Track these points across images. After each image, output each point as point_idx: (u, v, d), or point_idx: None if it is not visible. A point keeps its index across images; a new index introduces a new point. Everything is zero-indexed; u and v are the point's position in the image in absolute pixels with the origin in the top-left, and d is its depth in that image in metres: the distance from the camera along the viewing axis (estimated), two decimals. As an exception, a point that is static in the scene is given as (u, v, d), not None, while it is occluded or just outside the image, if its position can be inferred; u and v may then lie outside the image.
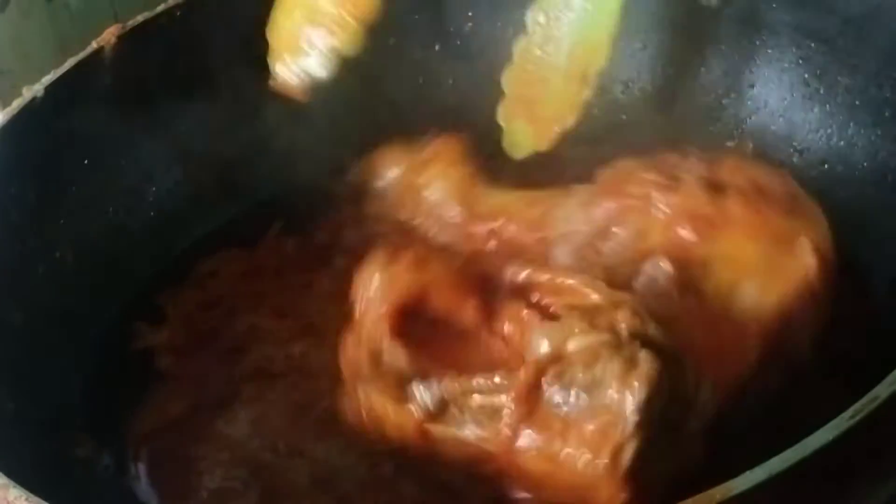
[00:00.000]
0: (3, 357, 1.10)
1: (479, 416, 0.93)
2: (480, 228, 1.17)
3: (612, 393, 0.88)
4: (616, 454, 0.87)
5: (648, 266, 1.05)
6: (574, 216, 1.12)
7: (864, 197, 1.18)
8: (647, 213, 1.08)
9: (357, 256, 1.08)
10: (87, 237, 1.23)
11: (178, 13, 1.30)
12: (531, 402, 0.91)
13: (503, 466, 0.92)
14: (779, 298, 1.03)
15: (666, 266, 1.04)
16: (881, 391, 0.80)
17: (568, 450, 0.89)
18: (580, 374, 0.89)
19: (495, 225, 1.16)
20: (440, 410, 0.94)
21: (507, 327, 0.99)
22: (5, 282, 1.14)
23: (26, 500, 0.86)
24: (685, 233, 1.06)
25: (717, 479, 0.77)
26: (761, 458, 0.78)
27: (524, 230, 1.15)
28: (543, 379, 0.90)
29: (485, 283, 1.02)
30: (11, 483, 0.87)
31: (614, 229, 1.09)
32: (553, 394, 0.90)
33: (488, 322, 1.00)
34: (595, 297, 0.97)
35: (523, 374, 0.91)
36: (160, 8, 1.30)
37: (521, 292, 1.01)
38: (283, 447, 1.08)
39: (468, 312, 1.00)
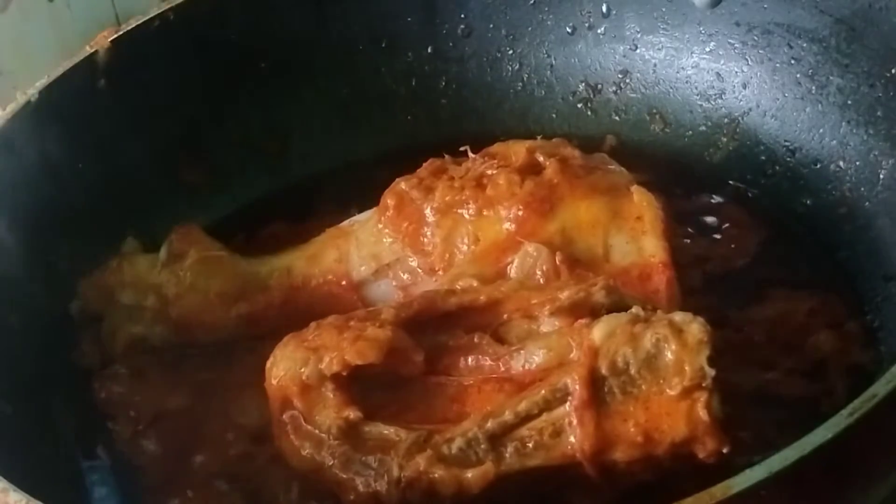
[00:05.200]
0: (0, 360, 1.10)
1: (543, 438, 0.91)
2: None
3: (672, 358, 0.89)
4: (708, 408, 0.88)
5: (518, 255, 1.06)
6: (379, 245, 1.14)
7: (858, 196, 1.19)
8: (480, 215, 1.09)
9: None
10: (82, 242, 1.23)
11: (172, 17, 1.30)
12: (595, 401, 0.90)
13: (597, 465, 0.91)
14: (648, 234, 1.06)
15: (533, 248, 1.05)
16: (879, 389, 0.80)
17: (657, 420, 0.89)
18: (631, 354, 0.90)
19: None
20: (488, 452, 0.92)
21: (466, 361, 0.98)
22: (2, 285, 1.14)
23: (26, 503, 0.85)
24: (525, 215, 1.07)
25: (717, 478, 0.77)
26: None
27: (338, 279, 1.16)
28: (599, 376, 0.90)
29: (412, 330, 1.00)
30: (12, 487, 0.86)
31: (458, 242, 1.10)
32: (616, 382, 0.90)
33: (436, 366, 0.99)
34: (566, 293, 0.97)
35: (580, 375, 0.90)
36: (154, 12, 1.30)
37: (455, 325, 1.00)
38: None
39: (406, 362, 0.99)
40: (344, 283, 1.15)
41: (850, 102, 1.22)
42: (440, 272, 1.10)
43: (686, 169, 1.32)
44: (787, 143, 1.27)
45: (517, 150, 1.14)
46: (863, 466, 0.85)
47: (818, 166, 1.24)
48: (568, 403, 0.91)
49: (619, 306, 0.95)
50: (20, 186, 1.18)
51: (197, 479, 1.08)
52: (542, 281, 1.04)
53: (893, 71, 1.16)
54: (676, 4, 1.33)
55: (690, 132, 1.34)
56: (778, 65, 1.28)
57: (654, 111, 1.36)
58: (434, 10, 1.41)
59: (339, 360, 0.96)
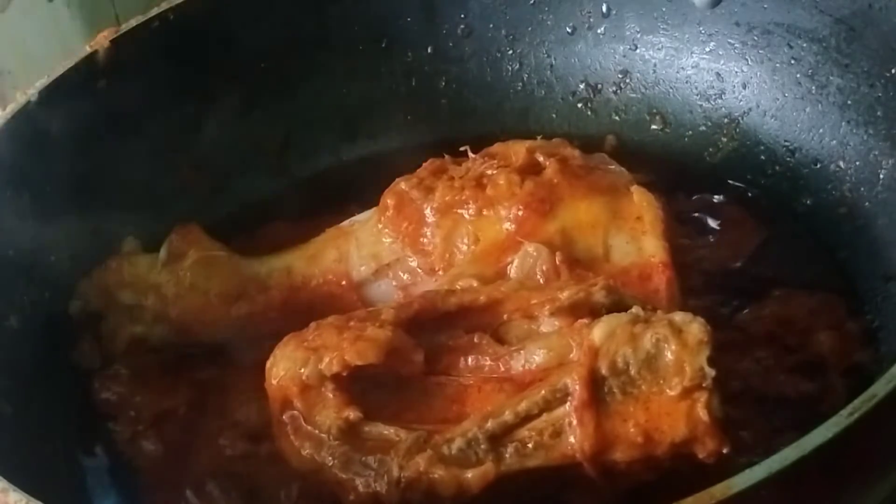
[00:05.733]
0: (-1, 360, 1.11)
1: (543, 438, 0.91)
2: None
3: (672, 358, 0.89)
4: (708, 408, 0.88)
5: (518, 255, 1.06)
6: (379, 245, 1.14)
7: (858, 196, 1.19)
8: (480, 215, 1.09)
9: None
10: (82, 242, 1.23)
11: (172, 17, 1.30)
12: (595, 401, 0.90)
13: (597, 465, 0.91)
14: (648, 234, 1.06)
15: (533, 248, 1.05)
16: (879, 389, 0.80)
17: (657, 420, 0.89)
18: (631, 354, 0.90)
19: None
20: (488, 452, 0.92)
21: (466, 361, 0.99)
22: (2, 285, 1.14)
23: (26, 503, 0.85)
24: (525, 215, 1.07)
25: (717, 478, 0.77)
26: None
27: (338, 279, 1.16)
28: (599, 376, 0.90)
29: (413, 330, 1.00)
30: (12, 487, 0.86)
31: (458, 242, 1.10)
32: (616, 383, 0.90)
33: (436, 366, 0.99)
34: (566, 293, 0.97)
35: (580, 375, 0.90)
36: (154, 11, 1.30)
37: (455, 325, 1.00)
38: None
39: (406, 362, 0.99)
40: (344, 283, 1.15)
41: (850, 102, 1.22)
42: (440, 272, 1.10)
43: (686, 169, 1.32)
44: (787, 143, 1.28)
45: (517, 150, 1.14)
46: (863, 466, 0.85)
47: (818, 166, 1.24)
48: (568, 403, 0.91)
49: (619, 306, 0.95)
50: (20, 186, 1.18)
51: (197, 479, 1.08)
52: (542, 281, 1.04)
53: (893, 71, 1.16)
54: (676, 4, 1.33)
55: (690, 132, 1.34)
56: (778, 65, 1.28)
57: (654, 111, 1.36)
58: (434, 10, 1.41)
59: (339, 360, 0.96)
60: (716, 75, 1.33)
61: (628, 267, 1.05)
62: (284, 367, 0.98)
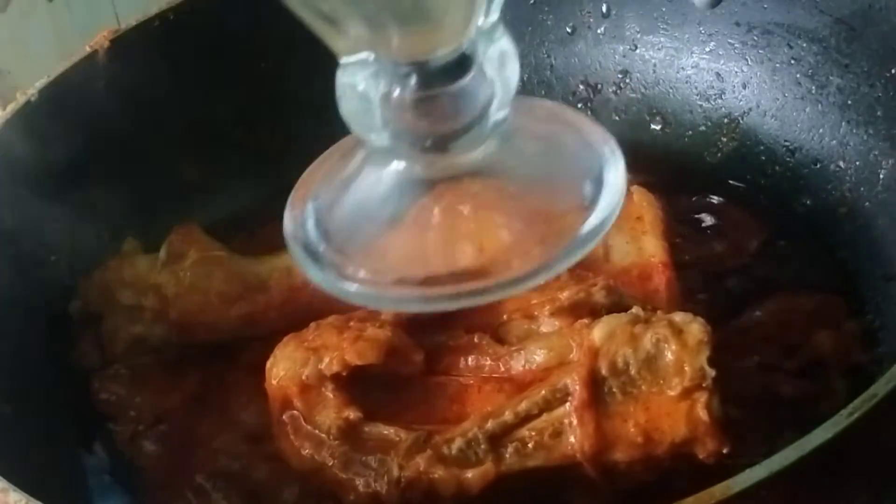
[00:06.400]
0: (-1, 360, 1.11)
1: (543, 438, 0.91)
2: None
3: (672, 359, 0.89)
4: (708, 409, 0.88)
5: None
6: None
7: (858, 196, 1.19)
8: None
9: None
10: (82, 242, 1.23)
11: (172, 16, 1.30)
12: (595, 402, 0.90)
13: (597, 465, 0.91)
14: (648, 234, 1.06)
15: None
16: (879, 389, 0.80)
17: (657, 420, 0.89)
18: (632, 354, 0.90)
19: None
20: (488, 452, 0.92)
21: (466, 361, 0.99)
22: (2, 285, 1.14)
23: (26, 503, 0.85)
24: None
25: (717, 478, 0.77)
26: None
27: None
28: (599, 376, 0.91)
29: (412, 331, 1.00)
30: (11, 487, 0.86)
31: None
32: (616, 383, 0.90)
33: (436, 366, 0.99)
34: (566, 293, 0.97)
35: (580, 376, 0.91)
36: (154, 11, 1.30)
37: (455, 325, 1.00)
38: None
39: (406, 362, 0.99)
40: None
41: (850, 102, 1.22)
42: (440, 272, 1.09)
43: (686, 169, 1.32)
44: (787, 143, 1.28)
45: (517, 150, 1.13)
46: (863, 466, 0.85)
47: (818, 166, 1.24)
48: (568, 403, 0.91)
49: (619, 306, 0.95)
50: (19, 186, 1.18)
51: (197, 478, 1.08)
52: None
53: (893, 71, 1.16)
54: (676, 4, 1.33)
55: (690, 132, 1.34)
56: (778, 65, 1.28)
57: (654, 111, 1.36)
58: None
59: (339, 360, 0.96)
60: (716, 75, 1.33)
61: (628, 267, 1.05)
62: (284, 367, 0.98)
